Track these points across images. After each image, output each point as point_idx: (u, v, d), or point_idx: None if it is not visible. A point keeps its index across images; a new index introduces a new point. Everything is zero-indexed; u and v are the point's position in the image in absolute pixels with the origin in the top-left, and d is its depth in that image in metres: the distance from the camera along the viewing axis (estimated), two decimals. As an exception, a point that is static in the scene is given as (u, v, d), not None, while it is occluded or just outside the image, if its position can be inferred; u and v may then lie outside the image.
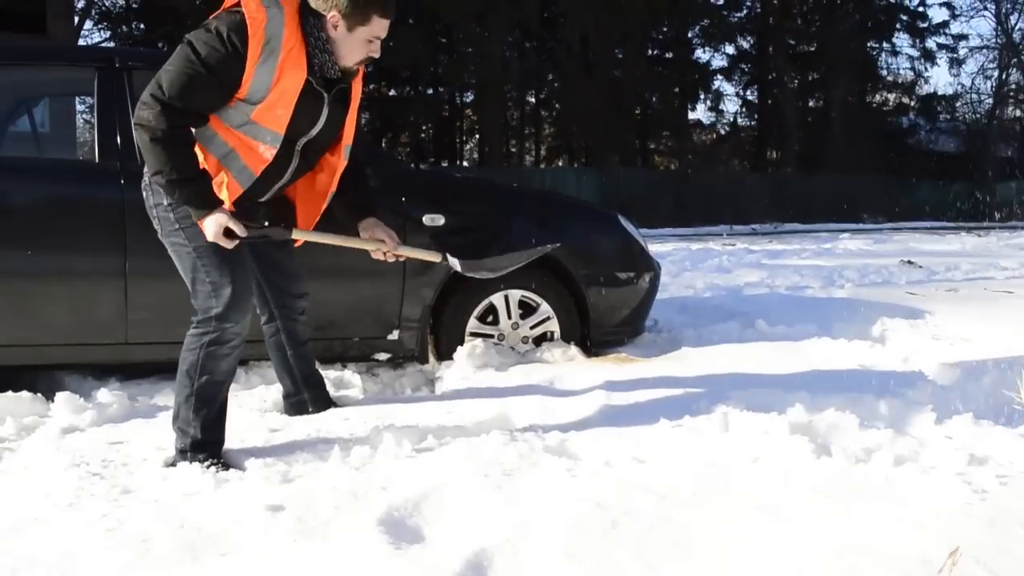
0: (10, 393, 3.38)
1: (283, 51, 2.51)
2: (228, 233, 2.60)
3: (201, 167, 2.61)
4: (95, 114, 3.71)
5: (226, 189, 2.67)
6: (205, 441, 2.72)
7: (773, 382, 3.13)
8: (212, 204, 2.58)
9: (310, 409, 3.26)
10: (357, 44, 2.64)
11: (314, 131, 2.74)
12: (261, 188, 2.77)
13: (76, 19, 24.22)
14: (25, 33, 21.64)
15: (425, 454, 2.67)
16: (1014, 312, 4.96)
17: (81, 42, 24.26)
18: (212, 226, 2.58)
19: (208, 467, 2.62)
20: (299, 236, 2.86)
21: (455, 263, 3.05)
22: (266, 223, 2.84)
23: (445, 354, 3.95)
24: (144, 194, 2.76)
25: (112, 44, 26.51)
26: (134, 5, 27.92)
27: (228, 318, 2.69)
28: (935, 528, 1.97)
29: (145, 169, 2.70)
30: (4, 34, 20.58)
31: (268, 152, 2.66)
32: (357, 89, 2.85)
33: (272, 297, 3.15)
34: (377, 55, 2.70)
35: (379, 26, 2.65)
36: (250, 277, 2.84)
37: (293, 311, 3.19)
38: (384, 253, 2.93)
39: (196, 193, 2.56)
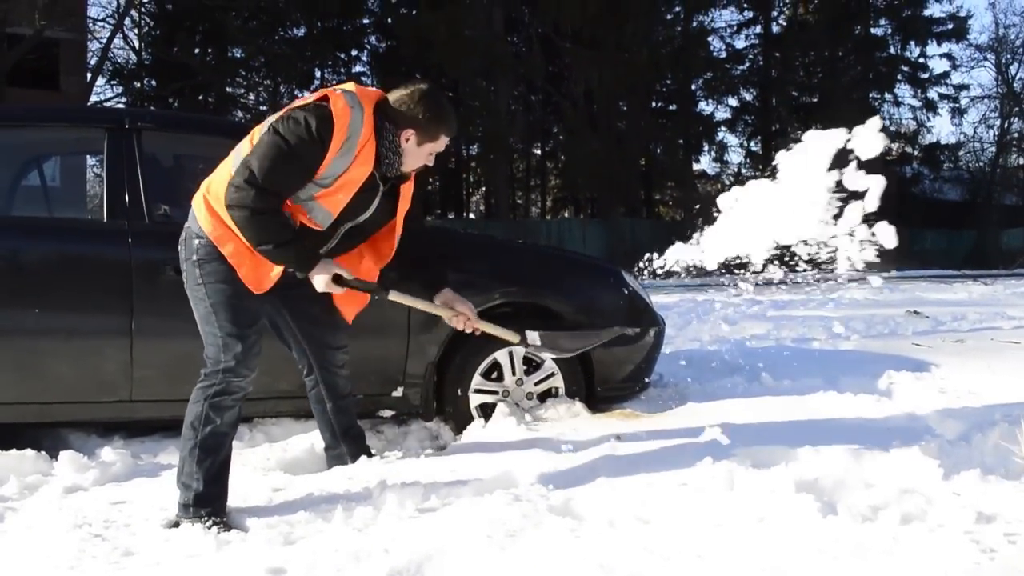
0: (14, 451, 3.38)
1: (358, 147, 2.74)
2: (337, 280, 2.82)
3: (295, 230, 2.80)
4: (104, 174, 3.77)
5: None
6: (208, 495, 2.74)
7: (778, 438, 3.11)
8: (314, 259, 2.80)
9: (349, 462, 3.29)
10: (421, 156, 2.89)
11: (361, 218, 2.95)
12: None
13: (88, 76, 24.70)
14: (39, 89, 22.12)
15: (428, 514, 2.66)
16: (1021, 363, 4.95)
17: (93, 99, 24.73)
18: (321, 277, 2.79)
19: (210, 528, 2.62)
20: (394, 297, 2.97)
21: (534, 337, 3.17)
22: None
23: (450, 413, 3.94)
24: (179, 248, 2.92)
25: (124, 100, 26.97)
26: (145, 62, 28.47)
27: (236, 372, 2.81)
28: (943, 590, 1.95)
29: (188, 224, 2.90)
30: (19, 90, 21.03)
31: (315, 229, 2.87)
32: (409, 185, 3.06)
33: (311, 350, 3.25)
34: (432, 164, 2.95)
35: (442, 143, 2.91)
36: (260, 335, 2.92)
37: (332, 364, 3.28)
38: (464, 324, 3.07)
39: (297, 253, 2.77)
